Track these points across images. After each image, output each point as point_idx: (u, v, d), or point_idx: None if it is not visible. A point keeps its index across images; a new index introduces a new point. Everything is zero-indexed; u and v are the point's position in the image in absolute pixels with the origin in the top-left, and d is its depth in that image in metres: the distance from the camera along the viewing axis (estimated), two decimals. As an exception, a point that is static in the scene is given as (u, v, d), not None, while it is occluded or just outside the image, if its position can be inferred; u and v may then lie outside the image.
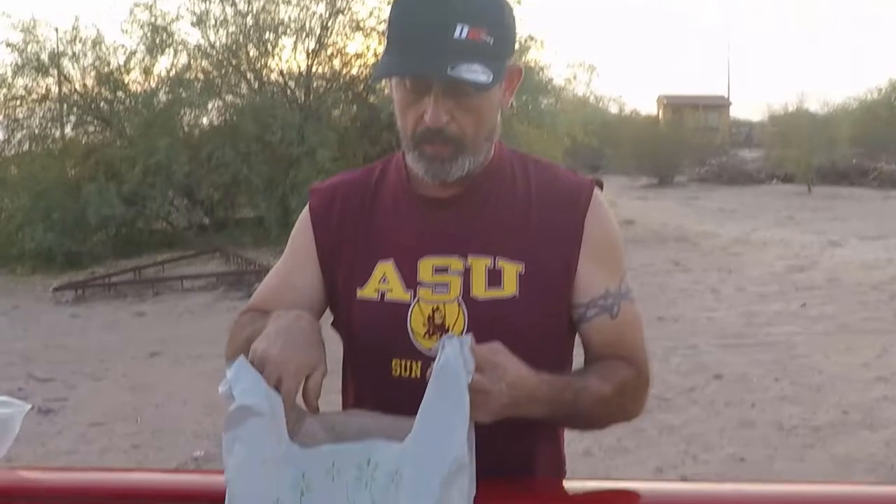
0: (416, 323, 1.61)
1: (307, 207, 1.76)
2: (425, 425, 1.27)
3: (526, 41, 16.14)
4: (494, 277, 1.61)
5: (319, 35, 16.55)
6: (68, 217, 14.60)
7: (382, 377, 1.63)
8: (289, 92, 16.71)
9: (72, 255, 14.37)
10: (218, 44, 16.50)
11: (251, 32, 16.39)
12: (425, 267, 1.62)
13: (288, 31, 16.51)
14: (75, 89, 16.64)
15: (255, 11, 16.39)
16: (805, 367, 7.07)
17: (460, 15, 1.47)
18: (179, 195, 16.39)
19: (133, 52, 16.53)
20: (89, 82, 16.61)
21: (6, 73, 16.32)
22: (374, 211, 1.69)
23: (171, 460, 5.50)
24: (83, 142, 16.76)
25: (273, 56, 16.66)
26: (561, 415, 1.51)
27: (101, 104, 16.64)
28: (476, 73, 1.46)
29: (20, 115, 16.62)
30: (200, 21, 16.27)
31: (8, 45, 16.12)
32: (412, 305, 1.61)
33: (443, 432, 1.26)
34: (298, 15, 16.52)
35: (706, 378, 6.85)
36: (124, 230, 15.86)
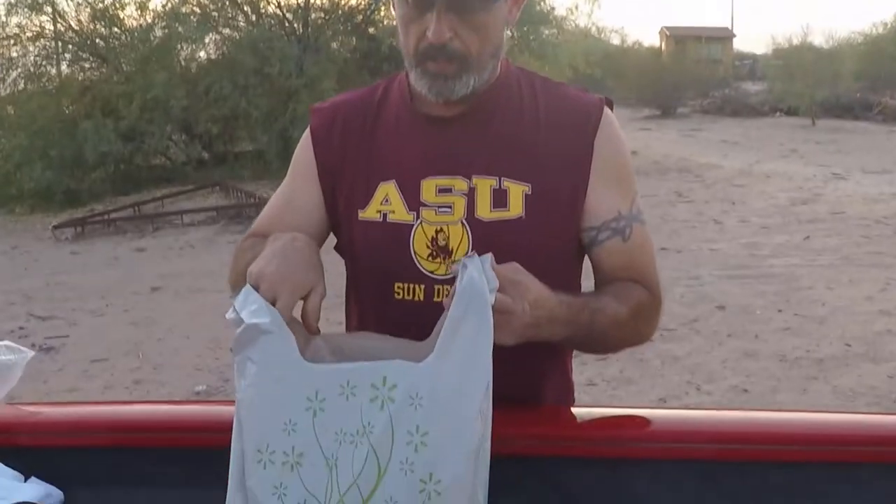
0: (419, 245, 1.56)
1: (308, 128, 1.70)
2: (450, 347, 1.21)
3: (527, -31, 15.87)
4: (500, 198, 1.55)
5: (316, -35, 16.29)
6: (66, 155, 14.48)
7: (385, 300, 1.58)
8: (286, 24, 16.44)
9: (70, 192, 14.28)
10: (213, -24, 16.24)
11: (247, -37, 16.13)
12: (428, 187, 1.56)
13: (285, -39, 16.25)
14: (70, 26, 16.38)
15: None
16: (808, 300, 7.06)
17: None
18: (177, 130, 16.24)
19: (128, -14, 16.27)
20: (84, 19, 16.35)
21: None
22: (375, 130, 1.63)
23: (173, 395, 5.50)
24: (79, 79, 16.52)
25: (270, -13, 16.41)
26: (578, 337, 1.47)
27: (97, 41, 16.37)
28: None
29: (14, 54, 16.39)
30: (195, -48, 16.00)
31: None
32: (415, 227, 1.56)
33: (469, 355, 1.21)
34: (295, -56, 16.25)
35: (709, 309, 6.83)
36: (123, 167, 15.74)
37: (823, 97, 24.73)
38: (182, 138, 16.56)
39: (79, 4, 16.25)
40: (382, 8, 15.94)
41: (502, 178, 1.56)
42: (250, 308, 1.25)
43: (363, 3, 16.37)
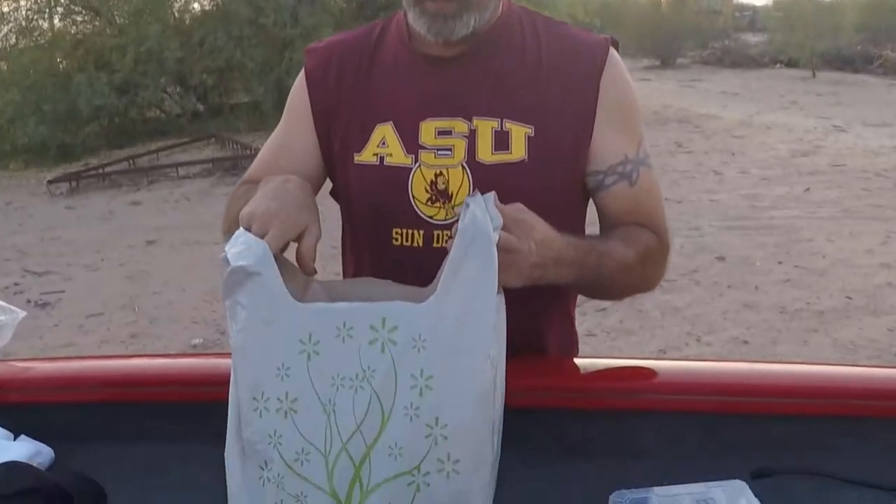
0: (418, 189, 1.50)
1: (303, 69, 1.63)
2: (451, 286, 1.15)
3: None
4: (502, 140, 1.50)
5: None
6: (60, 109, 14.32)
7: (383, 246, 1.53)
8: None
9: (65, 147, 14.15)
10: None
11: None
12: (427, 129, 1.51)
13: None
14: (61, -21, 16.19)
15: None
16: (808, 252, 7.01)
17: None
18: (172, 82, 16.07)
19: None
20: (75, -30, 16.15)
21: (-11, -35, 15.88)
22: (372, 71, 1.57)
23: (169, 349, 5.48)
24: (72, 32, 16.31)
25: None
26: (585, 281, 1.42)
27: (89, -7, 16.21)
28: None
29: (6, 9, 16.17)
30: None
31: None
32: (413, 170, 1.50)
33: (473, 294, 1.15)
34: None
35: (709, 260, 6.79)
36: (117, 120, 15.64)
37: (824, 49, 24.50)
38: (177, 91, 16.43)
39: (70, -45, 16.05)
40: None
41: (504, 120, 1.50)
42: (238, 250, 1.19)
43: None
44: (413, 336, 1.13)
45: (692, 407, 1.46)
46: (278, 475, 1.16)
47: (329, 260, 1.27)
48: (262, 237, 1.20)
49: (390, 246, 1.54)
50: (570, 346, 1.77)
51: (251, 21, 14.73)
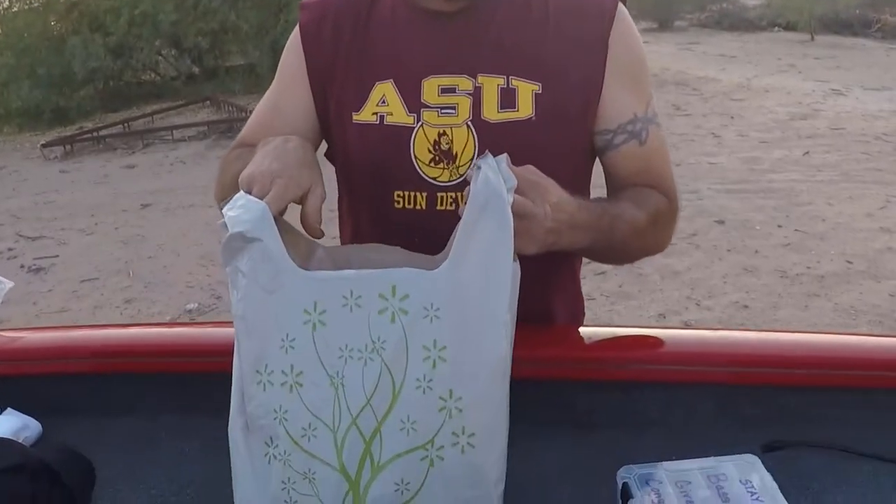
0: (420, 149, 1.44)
1: (297, 26, 1.56)
2: (465, 252, 1.08)
3: None
4: (508, 98, 1.43)
5: None
6: (54, 72, 14.30)
7: (384, 210, 1.47)
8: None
9: (59, 110, 14.13)
10: None
11: None
12: (430, 87, 1.44)
13: None
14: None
15: None
16: (808, 216, 6.96)
17: None
18: (167, 45, 16.01)
19: None
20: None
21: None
22: (370, 27, 1.50)
23: (164, 314, 5.43)
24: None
25: None
26: (598, 245, 1.36)
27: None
28: None
29: (-2, -27, 16.10)
30: None
31: None
32: (416, 130, 1.44)
33: (488, 261, 1.08)
34: None
35: (708, 223, 6.74)
36: (112, 83, 15.58)
37: (822, 13, 24.33)
38: (172, 53, 16.35)
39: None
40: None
41: (510, 77, 1.44)
42: (236, 213, 1.12)
43: None
44: (425, 305, 1.07)
45: (702, 378, 1.42)
46: (285, 452, 1.10)
47: (326, 224, 1.22)
48: (262, 200, 1.14)
49: (392, 209, 1.48)
50: (577, 310, 1.73)
51: (246, -19, 14.62)
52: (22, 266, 6.64)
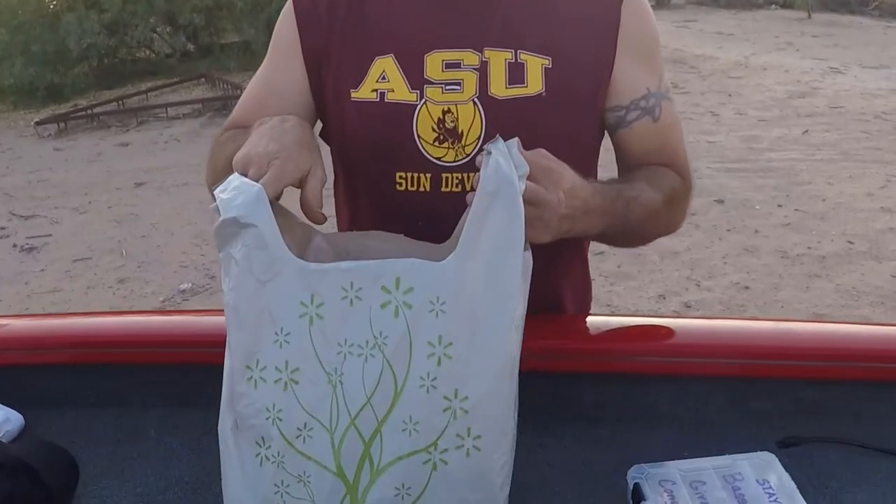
0: (424, 128, 1.36)
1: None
2: (475, 243, 1.01)
3: None
4: (516, 73, 1.36)
5: None
6: (49, 50, 14.15)
7: (385, 192, 1.40)
8: None
9: (53, 87, 14.01)
10: None
11: None
12: (433, 62, 1.37)
13: None
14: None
15: None
16: (808, 195, 6.90)
17: None
18: (162, 22, 15.86)
19: None
20: None
21: None
22: None
23: (157, 294, 5.38)
24: (60, -30, 16.11)
25: None
26: (612, 230, 1.30)
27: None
28: None
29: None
30: None
31: None
32: (418, 107, 1.36)
33: (499, 252, 1.02)
34: None
35: (707, 203, 6.67)
36: (106, 60, 15.45)
37: (819, -11, 24.35)
38: (166, 30, 16.21)
39: None
40: None
41: (518, 51, 1.37)
42: (229, 197, 1.05)
43: None
44: (430, 298, 1.00)
45: (714, 371, 1.37)
46: (278, 453, 1.04)
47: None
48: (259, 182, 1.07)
49: (393, 192, 1.41)
50: (586, 296, 1.70)
51: (240, -42, 14.50)
52: (14, 245, 6.58)
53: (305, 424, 1.02)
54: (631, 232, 1.38)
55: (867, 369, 1.36)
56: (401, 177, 1.40)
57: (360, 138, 1.43)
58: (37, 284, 5.73)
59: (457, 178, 1.37)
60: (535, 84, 1.37)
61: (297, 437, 1.02)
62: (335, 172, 1.55)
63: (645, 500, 1.13)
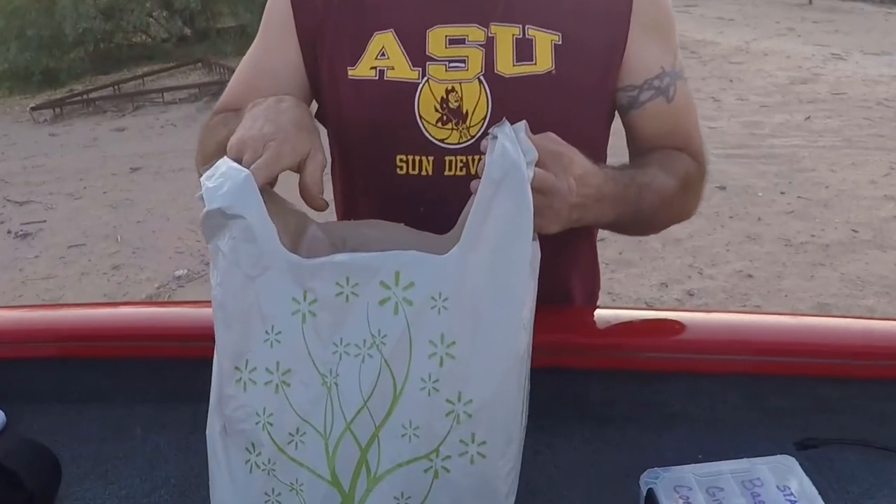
0: (426, 107, 1.29)
1: None
2: (480, 235, 0.94)
3: None
4: (524, 49, 1.29)
5: None
6: (44, 34, 14.10)
7: (385, 176, 1.33)
8: None
9: (49, 72, 13.95)
10: None
11: None
12: (436, 38, 1.30)
13: None
14: None
15: None
16: (811, 182, 6.84)
17: None
18: (158, 6, 15.81)
19: None
20: None
21: None
22: None
23: (152, 280, 5.33)
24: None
25: None
26: (624, 218, 1.23)
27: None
28: None
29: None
30: None
31: None
32: (420, 86, 1.30)
33: (505, 244, 0.94)
34: None
35: (710, 189, 6.51)
36: (102, 45, 15.39)
37: (821, -25, 24.27)
38: (163, 15, 16.15)
39: None
40: None
41: (527, 26, 1.30)
42: (215, 185, 0.98)
43: None
44: (432, 294, 0.93)
45: (729, 368, 1.32)
46: (269, 460, 0.97)
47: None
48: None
49: (394, 175, 1.34)
50: (595, 287, 1.66)
51: (237, -59, 14.44)
52: (9, 231, 6.54)
53: (298, 429, 0.96)
54: (643, 220, 1.32)
55: (890, 367, 1.31)
56: (401, 160, 1.33)
57: (358, 119, 1.36)
58: (31, 271, 5.70)
59: (461, 161, 1.31)
60: (544, 61, 1.30)
61: (289, 442, 0.96)
62: (331, 156, 1.48)
63: (659, 506, 1.06)
